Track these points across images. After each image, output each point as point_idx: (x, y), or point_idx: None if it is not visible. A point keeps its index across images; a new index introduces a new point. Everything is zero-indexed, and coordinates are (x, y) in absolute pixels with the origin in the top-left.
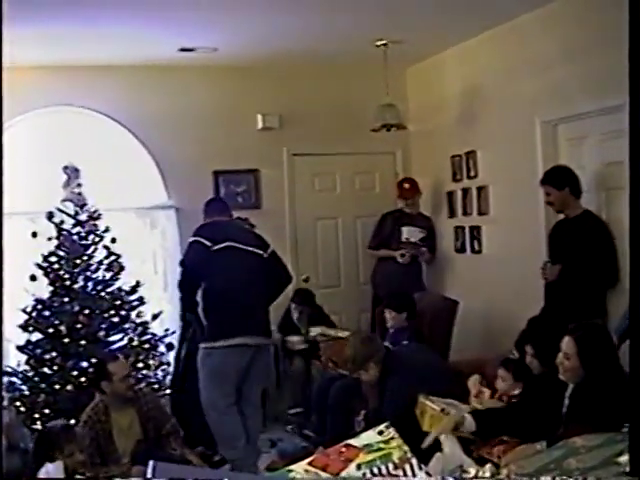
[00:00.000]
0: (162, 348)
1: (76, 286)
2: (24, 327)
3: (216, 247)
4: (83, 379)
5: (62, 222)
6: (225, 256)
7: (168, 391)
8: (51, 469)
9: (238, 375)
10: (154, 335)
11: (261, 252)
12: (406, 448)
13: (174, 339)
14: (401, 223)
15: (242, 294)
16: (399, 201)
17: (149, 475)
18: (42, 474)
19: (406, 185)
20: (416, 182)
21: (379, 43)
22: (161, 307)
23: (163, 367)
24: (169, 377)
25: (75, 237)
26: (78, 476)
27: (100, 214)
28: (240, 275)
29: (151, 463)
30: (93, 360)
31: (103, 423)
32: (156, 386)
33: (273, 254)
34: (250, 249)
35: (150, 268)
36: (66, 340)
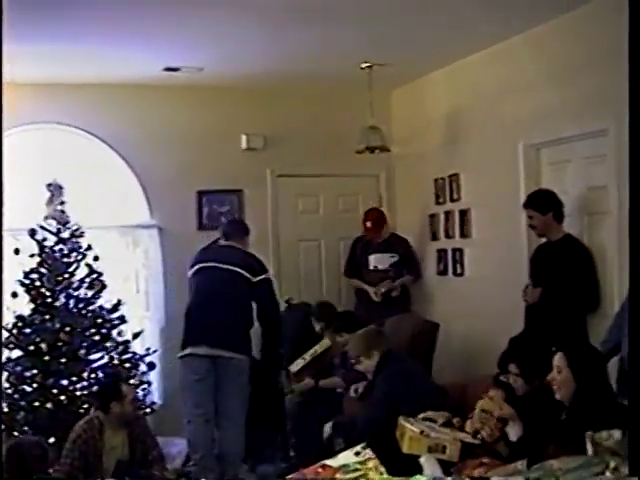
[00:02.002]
0: (143, 367)
1: (57, 304)
2: (4, 344)
3: (191, 271)
4: (63, 397)
5: (44, 239)
6: (198, 276)
7: (148, 410)
8: None
9: (205, 386)
10: (135, 354)
11: (247, 274)
12: (383, 469)
13: (155, 358)
14: (369, 250)
15: (205, 308)
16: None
17: None
18: None
19: (368, 224)
20: (380, 215)
21: (364, 65)
22: (142, 326)
23: (144, 386)
24: (149, 396)
25: (57, 254)
26: None
27: (83, 232)
28: (208, 290)
29: None
30: (105, 379)
31: (97, 440)
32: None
33: (265, 282)
34: (230, 268)
35: (132, 287)
36: (46, 358)
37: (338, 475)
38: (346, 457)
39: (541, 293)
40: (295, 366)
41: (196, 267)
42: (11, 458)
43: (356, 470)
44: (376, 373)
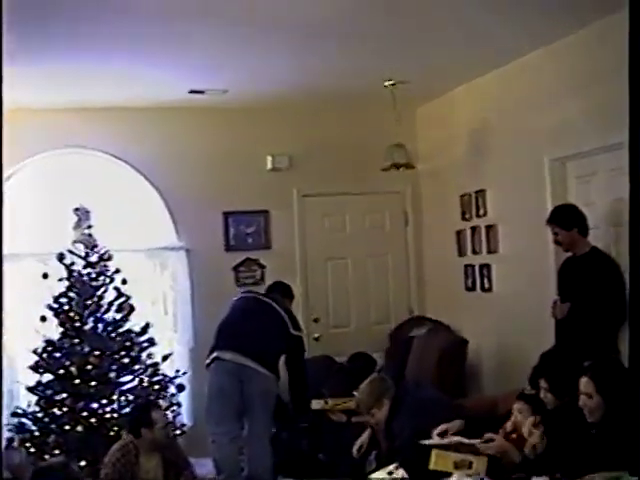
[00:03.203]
0: (173, 389)
1: (86, 327)
2: (35, 368)
3: (234, 299)
4: (93, 420)
5: (73, 263)
6: (238, 301)
7: (178, 432)
8: None
9: (228, 403)
10: (165, 376)
11: (287, 321)
12: None
13: (185, 380)
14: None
15: (238, 322)
16: None
17: None
18: None
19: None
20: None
21: (387, 83)
22: (171, 348)
23: (173, 408)
24: (179, 418)
25: (85, 278)
26: None
27: (110, 255)
28: (246, 310)
29: None
30: (136, 405)
31: (133, 464)
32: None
33: (300, 339)
34: (272, 304)
35: (160, 309)
36: (76, 381)
37: None
38: (379, 477)
39: (570, 308)
40: (315, 404)
41: (238, 296)
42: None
43: None
44: (389, 420)
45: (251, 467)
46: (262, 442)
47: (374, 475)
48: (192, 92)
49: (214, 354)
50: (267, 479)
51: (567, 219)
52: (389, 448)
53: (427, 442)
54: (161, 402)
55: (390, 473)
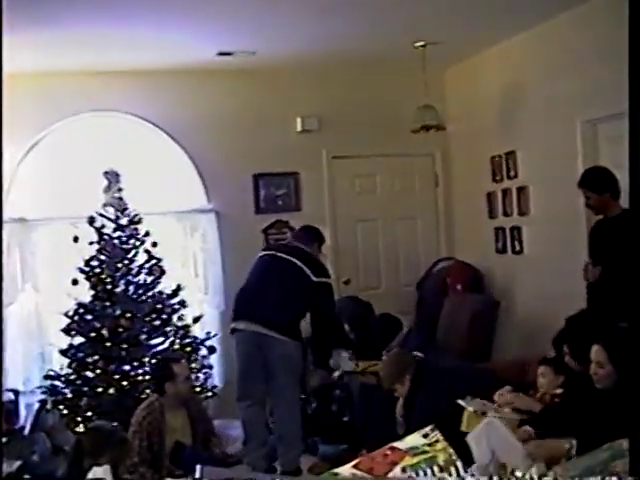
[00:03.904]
0: (204, 351)
1: (117, 290)
2: (67, 331)
3: (258, 255)
4: (125, 383)
5: (103, 226)
6: (257, 262)
7: (210, 394)
8: (99, 473)
9: (247, 368)
10: (195, 338)
11: (308, 271)
12: (451, 451)
13: (215, 342)
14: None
15: (255, 288)
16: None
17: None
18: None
19: (458, 287)
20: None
21: (418, 45)
22: (202, 310)
23: (205, 370)
24: (210, 380)
25: (116, 241)
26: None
27: (141, 218)
28: (263, 273)
29: (198, 467)
30: (156, 361)
31: (159, 422)
32: (198, 389)
33: (325, 285)
34: (291, 259)
35: (191, 272)
36: (108, 344)
37: (407, 457)
38: (414, 439)
39: (601, 271)
40: (346, 366)
41: (258, 255)
42: (90, 440)
43: (425, 452)
44: (412, 393)
45: (280, 430)
46: (289, 405)
47: (409, 437)
48: (220, 54)
49: (232, 325)
50: (296, 441)
51: (599, 183)
52: (409, 423)
53: (462, 402)
54: (193, 365)
55: (426, 435)
